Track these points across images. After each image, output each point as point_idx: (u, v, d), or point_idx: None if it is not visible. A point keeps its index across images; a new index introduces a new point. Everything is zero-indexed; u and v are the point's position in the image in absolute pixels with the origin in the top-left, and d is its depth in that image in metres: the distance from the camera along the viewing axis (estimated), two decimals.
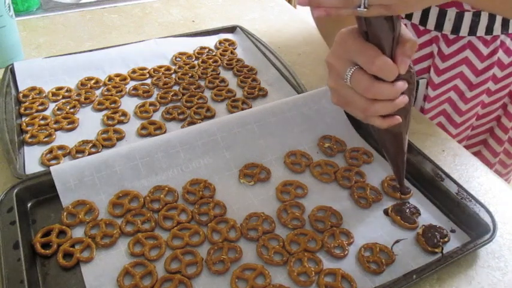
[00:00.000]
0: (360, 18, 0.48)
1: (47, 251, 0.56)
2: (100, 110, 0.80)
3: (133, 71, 0.89)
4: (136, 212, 0.62)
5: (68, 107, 0.79)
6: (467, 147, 0.92)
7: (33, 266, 0.55)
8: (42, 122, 0.76)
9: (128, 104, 0.82)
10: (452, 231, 0.62)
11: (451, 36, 0.81)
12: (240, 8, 1.19)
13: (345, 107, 0.56)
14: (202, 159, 0.69)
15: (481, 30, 0.79)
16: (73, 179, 0.63)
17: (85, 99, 0.81)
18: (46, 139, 0.72)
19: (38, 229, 0.59)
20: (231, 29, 1.04)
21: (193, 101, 0.83)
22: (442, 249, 0.58)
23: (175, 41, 0.98)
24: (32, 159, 0.69)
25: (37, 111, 0.78)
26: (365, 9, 0.42)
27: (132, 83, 0.87)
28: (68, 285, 0.54)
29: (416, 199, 0.66)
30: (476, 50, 0.81)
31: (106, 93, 0.83)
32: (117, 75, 0.88)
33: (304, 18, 1.14)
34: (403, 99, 0.51)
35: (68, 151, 0.71)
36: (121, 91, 0.84)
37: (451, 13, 0.78)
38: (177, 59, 0.94)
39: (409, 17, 0.83)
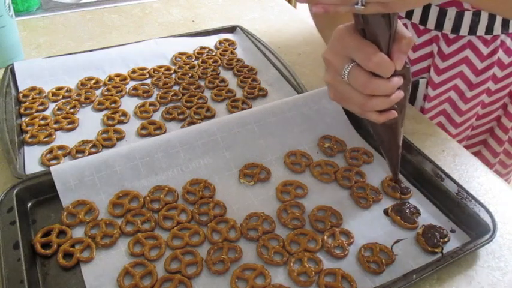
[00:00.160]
0: (357, 15, 0.48)
1: (47, 251, 0.56)
2: (100, 110, 0.80)
3: (133, 71, 0.89)
4: (136, 212, 0.62)
5: (68, 107, 0.79)
6: (467, 147, 0.92)
7: (33, 266, 0.55)
8: (42, 122, 0.76)
9: (128, 104, 0.82)
10: (452, 231, 0.62)
11: (451, 36, 0.81)
12: (240, 8, 1.19)
13: (341, 103, 0.57)
14: (202, 159, 0.69)
15: (481, 30, 0.79)
16: (73, 179, 0.63)
17: (85, 99, 0.81)
18: (46, 139, 0.72)
19: (38, 229, 0.59)
20: (231, 29, 1.04)
21: (193, 101, 0.83)
22: (442, 249, 0.58)
23: (175, 41, 0.98)
24: (32, 159, 0.69)
25: (37, 111, 0.78)
26: (362, 7, 0.43)
27: (132, 83, 0.87)
28: (68, 285, 0.54)
29: (416, 199, 0.66)
30: (476, 49, 0.81)
31: (106, 93, 0.83)
32: (117, 75, 0.88)
33: (304, 18, 1.14)
34: (399, 95, 0.52)
35: (68, 151, 0.71)
36: (121, 91, 0.84)
37: (451, 12, 0.78)
38: (177, 59, 0.94)
39: (409, 16, 0.83)
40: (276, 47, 0.99)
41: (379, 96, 0.51)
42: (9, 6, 0.86)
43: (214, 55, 0.96)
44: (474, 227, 0.61)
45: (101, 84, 0.86)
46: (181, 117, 0.79)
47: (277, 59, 0.94)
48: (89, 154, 0.70)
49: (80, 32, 1.05)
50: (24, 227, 0.58)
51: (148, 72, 0.89)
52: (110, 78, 0.87)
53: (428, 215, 0.64)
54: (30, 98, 0.80)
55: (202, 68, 0.91)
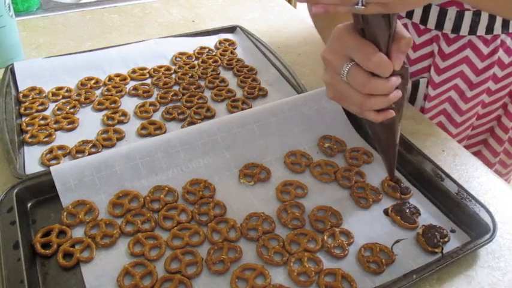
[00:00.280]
0: (356, 15, 0.48)
1: (47, 251, 0.56)
2: (100, 110, 0.80)
3: (133, 71, 0.89)
4: (136, 212, 0.62)
5: (68, 107, 0.79)
6: (467, 147, 0.92)
7: (33, 266, 0.55)
8: (42, 122, 0.76)
9: (128, 104, 0.82)
10: (452, 231, 0.62)
11: (452, 36, 0.81)
12: (240, 8, 1.19)
13: (340, 102, 0.57)
14: (202, 159, 0.69)
15: (481, 30, 0.79)
16: (73, 179, 0.63)
17: (85, 99, 0.81)
18: (46, 139, 0.72)
19: (38, 229, 0.59)
20: (231, 29, 1.04)
21: (193, 101, 0.83)
22: (442, 249, 0.58)
23: (175, 41, 0.98)
24: (32, 159, 0.69)
25: (37, 111, 0.78)
26: (363, 7, 0.43)
27: (132, 83, 0.87)
28: (68, 285, 0.54)
29: (416, 199, 0.66)
30: (476, 49, 0.81)
31: (106, 93, 0.83)
32: (117, 75, 0.88)
33: (304, 18, 1.13)
34: (397, 94, 0.53)
35: (68, 151, 0.71)
36: (121, 91, 0.84)
37: (452, 12, 0.78)
38: (177, 59, 0.94)
39: (409, 16, 0.83)
40: (276, 47, 0.99)
41: (378, 96, 0.51)
42: (9, 6, 0.86)
43: (214, 55, 0.96)
44: (474, 227, 0.61)
45: (101, 84, 0.86)
46: (181, 117, 0.79)
47: (277, 59, 0.94)
48: (89, 154, 0.70)
49: (80, 32, 1.05)
50: (24, 227, 0.58)
51: (148, 72, 0.89)
52: (110, 78, 0.87)
53: (428, 215, 0.64)
54: (30, 98, 0.80)
55: (202, 68, 0.91)
